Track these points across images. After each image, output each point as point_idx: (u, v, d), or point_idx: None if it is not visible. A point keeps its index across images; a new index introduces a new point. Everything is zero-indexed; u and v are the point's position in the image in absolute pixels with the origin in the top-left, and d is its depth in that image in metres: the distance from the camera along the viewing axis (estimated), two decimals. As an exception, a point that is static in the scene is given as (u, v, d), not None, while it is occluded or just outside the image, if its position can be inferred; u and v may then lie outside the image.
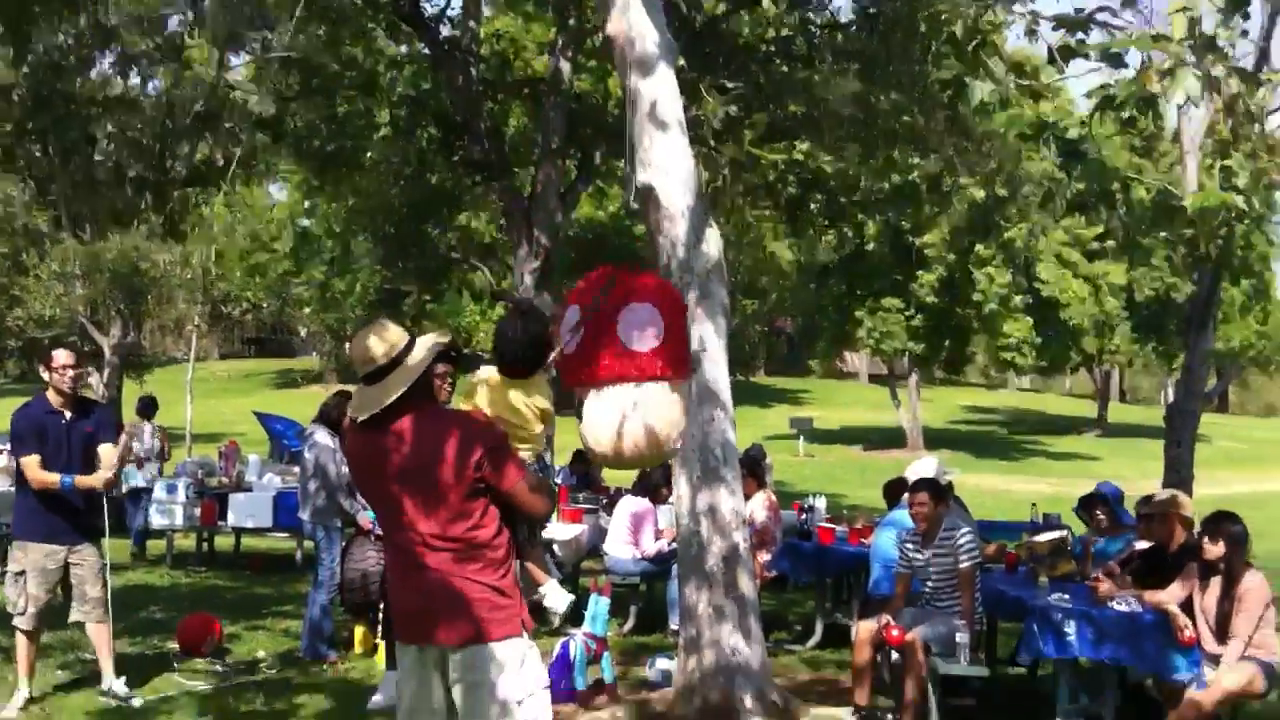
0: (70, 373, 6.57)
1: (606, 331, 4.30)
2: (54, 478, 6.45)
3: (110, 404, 18.25)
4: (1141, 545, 7.64)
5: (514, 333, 4.18)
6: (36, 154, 19.20)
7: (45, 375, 6.63)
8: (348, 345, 4.07)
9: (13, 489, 8.08)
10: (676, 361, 4.35)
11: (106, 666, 6.80)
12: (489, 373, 4.26)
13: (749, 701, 6.64)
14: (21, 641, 6.68)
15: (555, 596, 4.23)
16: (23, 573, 6.60)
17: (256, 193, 36.67)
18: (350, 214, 21.53)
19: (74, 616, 6.76)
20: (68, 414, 6.61)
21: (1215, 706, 6.24)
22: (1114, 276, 43.14)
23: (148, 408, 13.98)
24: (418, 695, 3.87)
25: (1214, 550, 6.47)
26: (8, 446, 8.96)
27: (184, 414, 29.06)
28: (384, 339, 3.87)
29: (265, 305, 34.26)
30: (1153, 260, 43.47)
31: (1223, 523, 6.55)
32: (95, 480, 6.54)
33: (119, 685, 6.77)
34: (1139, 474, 26.16)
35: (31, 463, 6.47)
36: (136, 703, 6.68)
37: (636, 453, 4.31)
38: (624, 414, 4.26)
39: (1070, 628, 6.51)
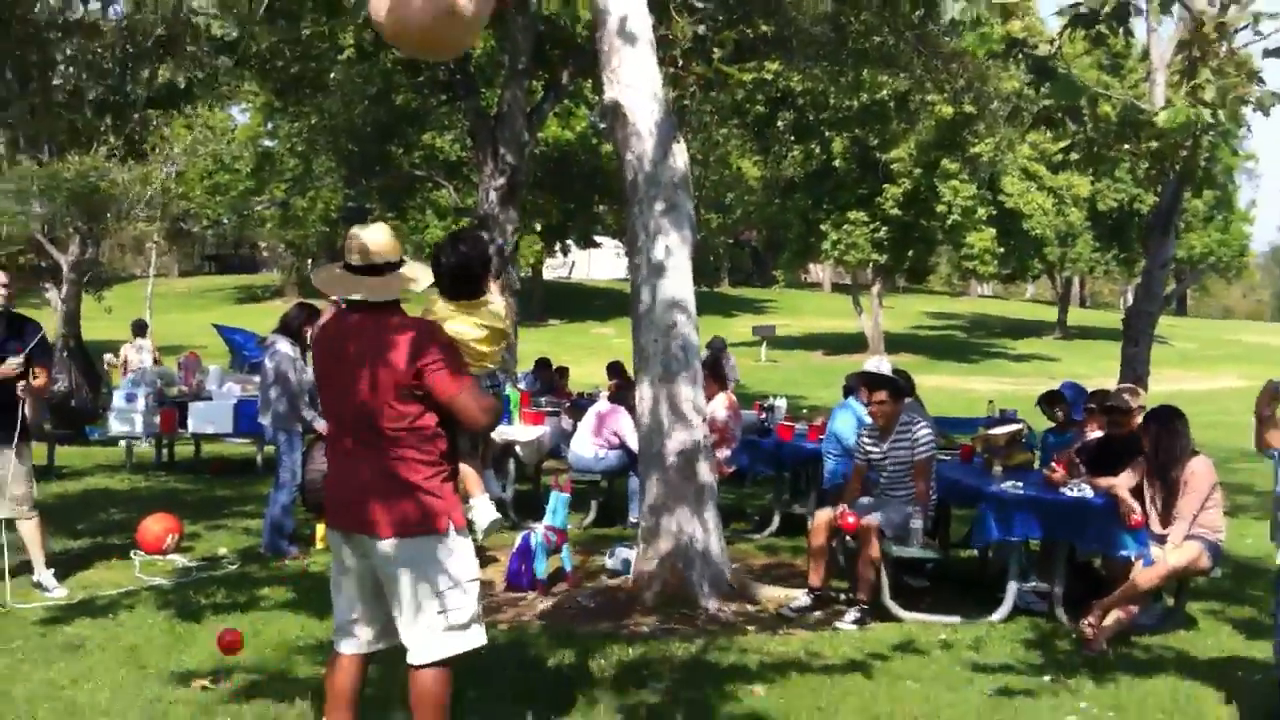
0: (3, 292, 6.76)
1: None
2: None
3: (68, 317, 18.09)
4: (1093, 436, 7.78)
5: (446, 258, 4.34)
6: (-8, 77, 18.94)
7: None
8: (360, 234, 4.05)
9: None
10: None
11: (37, 560, 6.98)
12: (439, 300, 4.38)
13: (705, 585, 6.81)
14: None
15: (481, 511, 4.35)
16: None
17: (219, 114, 36.20)
18: (313, 134, 21.27)
19: (1, 513, 6.90)
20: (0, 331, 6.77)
21: (1161, 581, 6.44)
22: (1078, 189, 43.35)
23: (141, 328, 15.55)
24: (343, 577, 4.06)
25: (1147, 442, 6.64)
26: None
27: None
28: (394, 242, 4.01)
29: (226, 221, 33.88)
30: (1116, 173, 43.66)
31: (1159, 416, 6.73)
32: (4, 370, 6.67)
33: (48, 578, 6.97)
34: (1097, 373, 26.56)
35: None
36: (60, 594, 6.85)
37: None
38: None
39: (1021, 512, 6.66)
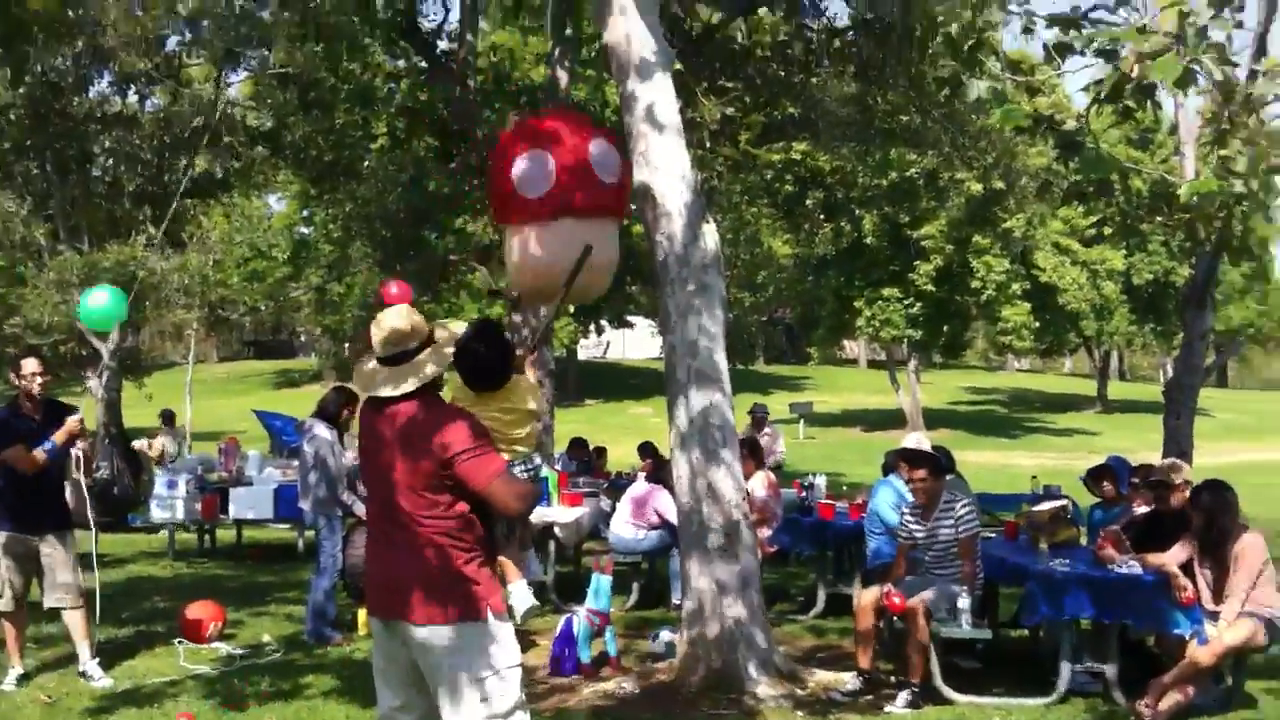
0: (38, 380, 6.82)
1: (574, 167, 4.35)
2: (38, 454, 6.67)
3: (109, 404, 18.28)
4: (1140, 511, 7.69)
5: (464, 358, 4.25)
6: (34, 170, 19.35)
7: (15, 382, 6.88)
8: (378, 324, 4.11)
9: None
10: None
11: (82, 650, 6.97)
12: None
13: (753, 669, 6.71)
14: (6, 624, 6.94)
15: (519, 597, 4.35)
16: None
17: (255, 203, 36.85)
18: (347, 220, 21.61)
19: (48, 603, 6.98)
20: (37, 418, 6.86)
21: (1217, 660, 6.30)
22: (1112, 263, 43.26)
23: (170, 419, 16.41)
24: (386, 665, 4.06)
25: (1198, 517, 6.56)
26: None
27: (184, 414, 29.09)
28: (411, 324, 4.03)
29: (263, 308, 34.26)
30: (1149, 246, 43.59)
31: (1207, 490, 6.64)
32: (70, 427, 6.75)
33: (93, 667, 6.95)
34: (1140, 446, 26.26)
35: (16, 450, 6.67)
36: (105, 684, 6.83)
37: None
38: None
39: (1071, 590, 6.57)
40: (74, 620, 6.94)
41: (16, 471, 6.70)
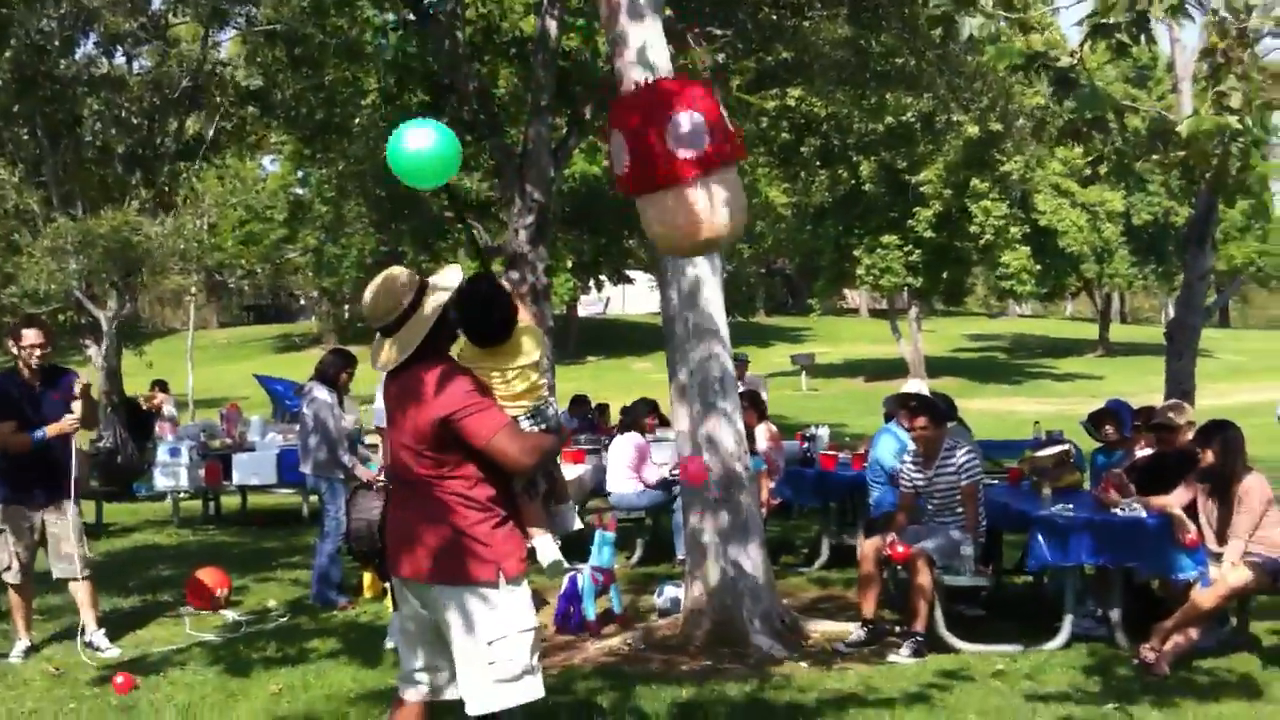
0: (37, 352, 6.69)
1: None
2: (25, 438, 6.62)
3: (110, 373, 18.27)
4: (1143, 454, 7.67)
5: (462, 312, 4.11)
6: (24, 136, 19.21)
7: (14, 351, 6.75)
8: (362, 301, 4.10)
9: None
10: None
11: (88, 620, 6.93)
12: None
13: (756, 621, 6.72)
14: (13, 596, 6.89)
15: (544, 551, 4.28)
16: (3, 531, 6.79)
17: (248, 164, 36.66)
18: (341, 179, 21.49)
19: (55, 574, 6.93)
20: (37, 385, 6.77)
21: (1221, 602, 6.30)
22: (1111, 204, 43.05)
23: (164, 388, 15.70)
24: (407, 625, 4.07)
25: (1207, 458, 6.51)
26: None
27: (185, 381, 29.11)
28: (392, 292, 3.97)
29: (259, 270, 34.18)
30: (1149, 186, 43.35)
31: (1214, 431, 6.60)
32: (63, 425, 6.66)
33: (99, 638, 6.91)
34: (1142, 389, 26.21)
35: (4, 429, 6.62)
36: (112, 653, 6.80)
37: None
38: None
39: (1074, 535, 6.55)
40: (80, 591, 6.90)
41: (24, 381, 6.65)
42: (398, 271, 4.05)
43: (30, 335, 6.67)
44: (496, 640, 3.83)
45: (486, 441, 3.83)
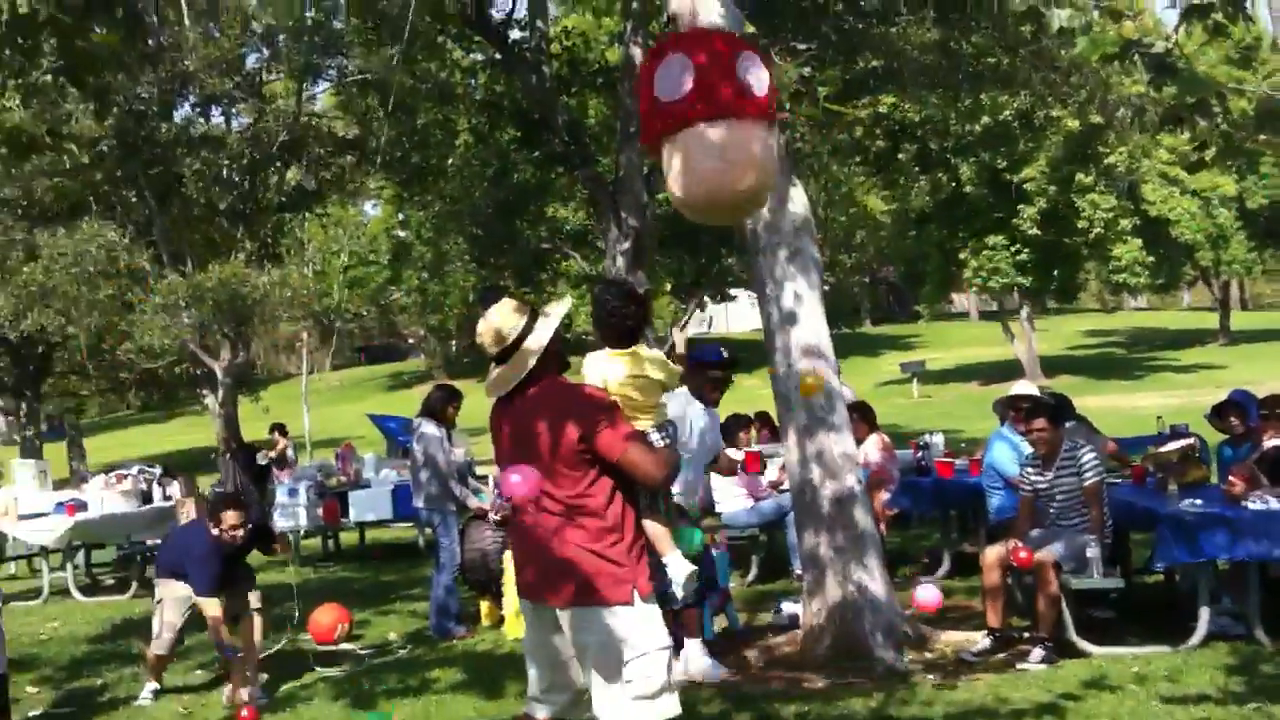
0: (240, 532, 6.70)
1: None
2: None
3: (227, 420, 18.74)
4: (1271, 444, 7.36)
5: (600, 309, 4.33)
6: (133, 199, 19.91)
7: (214, 530, 6.72)
8: (476, 330, 4.16)
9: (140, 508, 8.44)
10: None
11: (252, 661, 6.78)
12: (596, 357, 4.37)
13: (879, 634, 6.58)
14: (151, 658, 7.02)
15: (676, 566, 4.25)
16: (161, 601, 6.93)
17: (350, 211, 37.54)
18: (439, 220, 21.88)
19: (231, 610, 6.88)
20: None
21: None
22: (1224, 189, 41.75)
23: (283, 431, 15.97)
24: (534, 648, 4.09)
25: None
26: (133, 470, 9.23)
27: (302, 424, 29.72)
28: (505, 319, 4.01)
29: (366, 313, 34.92)
30: (1261, 168, 42.00)
31: None
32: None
33: (256, 685, 6.76)
34: (1268, 377, 25.34)
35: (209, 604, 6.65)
36: (262, 702, 6.69)
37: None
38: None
39: (1203, 531, 6.31)
40: (248, 628, 6.83)
41: (222, 544, 6.67)
42: (510, 301, 4.09)
43: (230, 518, 6.66)
44: (635, 659, 3.82)
45: (622, 453, 3.83)
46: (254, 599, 6.92)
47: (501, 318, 4.01)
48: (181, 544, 6.97)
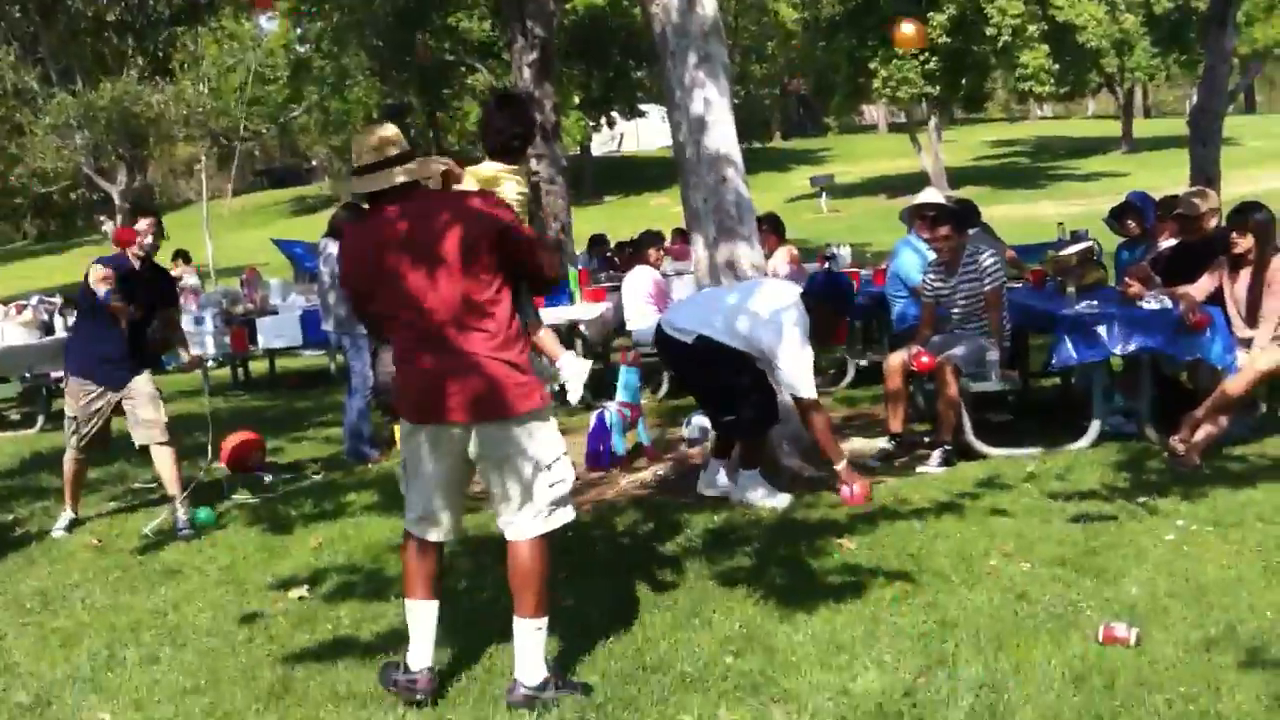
0: (149, 236, 6.68)
1: None
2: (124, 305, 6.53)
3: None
4: (1167, 244, 7.53)
5: (494, 120, 4.45)
6: (16, 14, 18.84)
7: (124, 248, 6.69)
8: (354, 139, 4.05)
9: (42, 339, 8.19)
10: None
11: (174, 491, 6.70)
12: (492, 167, 4.43)
13: (785, 444, 6.71)
14: (69, 466, 6.85)
15: (572, 365, 4.25)
16: (75, 417, 6.76)
17: (245, 26, 36.05)
18: (338, 31, 21.07)
19: (138, 441, 6.84)
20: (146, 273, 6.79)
21: (1250, 387, 6.25)
22: (1130, -9, 41.72)
23: (186, 257, 16.17)
24: (429, 470, 3.93)
25: (1243, 242, 6.40)
26: (29, 301, 8.99)
27: (205, 251, 29.07)
28: (390, 132, 3.92)
29: (265, 131, 33.81)
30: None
31: (1249, 212, 6.46)
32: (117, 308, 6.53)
33: (183, 518, 6.64)
34: (1170, 183, 25.73)
35: (121, 304, 6.52)
36: (186, 533, 6.59)
37: None
38: None
39: (1101, 329, 6.48)
40: (162, 457, 6.75)
41: (106, 326, 6.56)
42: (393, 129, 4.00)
43: (144, 222, 6.68)
44: (554, 461, 3.85)
45: (534, 254, 3.83)
46: (158, 432, 6.74)
47: (383, 130, 3.92)
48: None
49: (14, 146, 18.95)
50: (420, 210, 3.80)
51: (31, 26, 18.83)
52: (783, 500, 6.01)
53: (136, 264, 6.71)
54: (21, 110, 18.58)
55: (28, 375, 11.33)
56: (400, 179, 3.83)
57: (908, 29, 6.35)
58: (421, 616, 3.95)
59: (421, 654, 3.92)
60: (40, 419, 11.12)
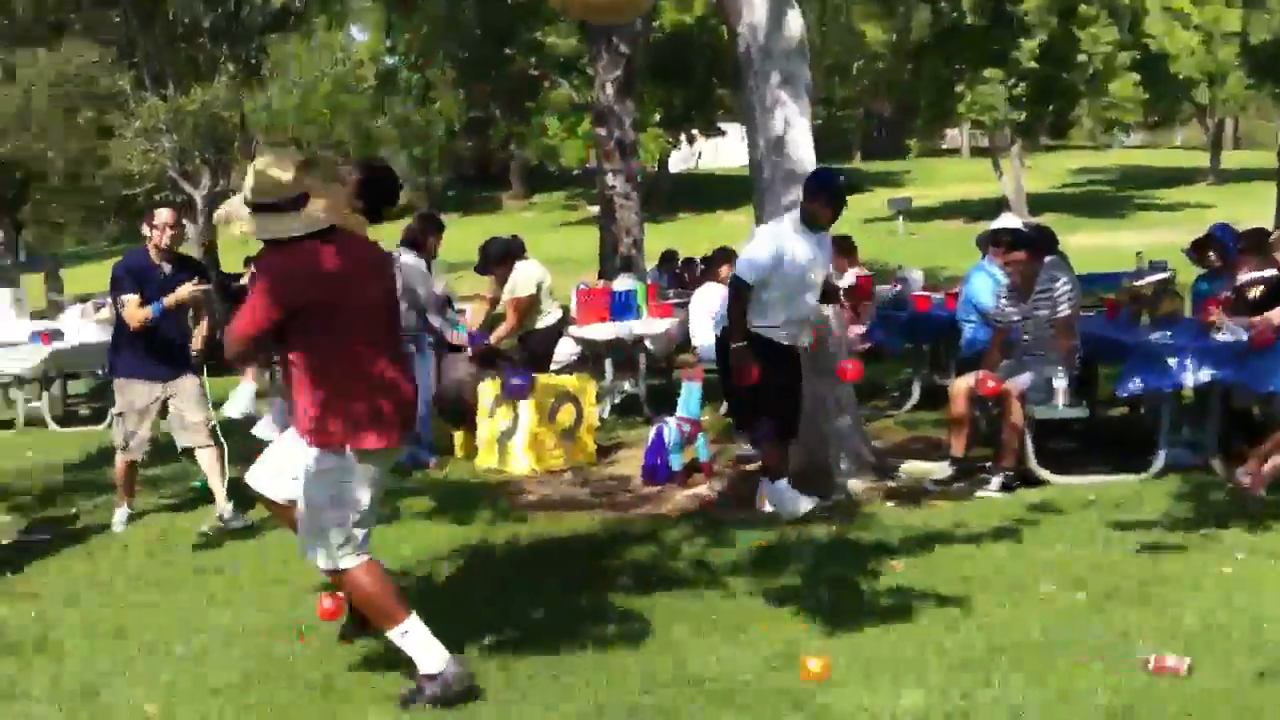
0: (170, 231, 6.72)
1: None
2: (147, 310, 6.61)
3: (207, 249, 18.61)
4: (1245, 278, 7.33)
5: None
6: (115, 19, 19.31)
7: (146, 233, 6.77)
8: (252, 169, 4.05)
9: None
10: None
11: (219, 491, 6.81)
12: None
13: (844, 462, 6.65)
14: (120, 467, 6.91)
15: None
16: (123, 414, 6.84)
17: (336, 36, 36.70)
18: (426, 43, 21.29)
19: (181, 443, 6.95)
20: (167, 268, 6.78)
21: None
22: (1226, 22, 40.79)
23: (247, 263, 15.55)
24: (377, 496, 4.22)
25: None
26: (107, 300, 9.21)
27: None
28: (285, 171, 3.92)
29: (346, 143, 34.32)
30: (1268, 2, 41.04)
31: None
32: (181, 294, 6.64)
33: (229, 510, 6.77)
34: (1256, 216, 25.18)
35: (130, 300, 6.64)
36: (239, 523, 6.70)
37: None
38: None
39: (1170, 359, 6.34)
40: (207, 460, 6.85)
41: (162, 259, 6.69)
42: (293, 156, 4.10)
43: (163, 215, 6.73)
44: None
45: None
46: (203, 436, 6.81)
47: (279, 171, 3.91)
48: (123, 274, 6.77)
49: (103, 149, 19.37)
50: (360, 252, 4.20)
51: (128, 31, 19.28)
52: (807, 503, 5.98)
53: (157, 259, 6.72)
54: (112, 113, 19.00)
55: (100, 372, 11.55)
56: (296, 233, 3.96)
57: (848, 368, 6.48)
58: (420, 624, 4.04)
59: (439, 650, 4.00)
60: (110, 415, 11.32)
